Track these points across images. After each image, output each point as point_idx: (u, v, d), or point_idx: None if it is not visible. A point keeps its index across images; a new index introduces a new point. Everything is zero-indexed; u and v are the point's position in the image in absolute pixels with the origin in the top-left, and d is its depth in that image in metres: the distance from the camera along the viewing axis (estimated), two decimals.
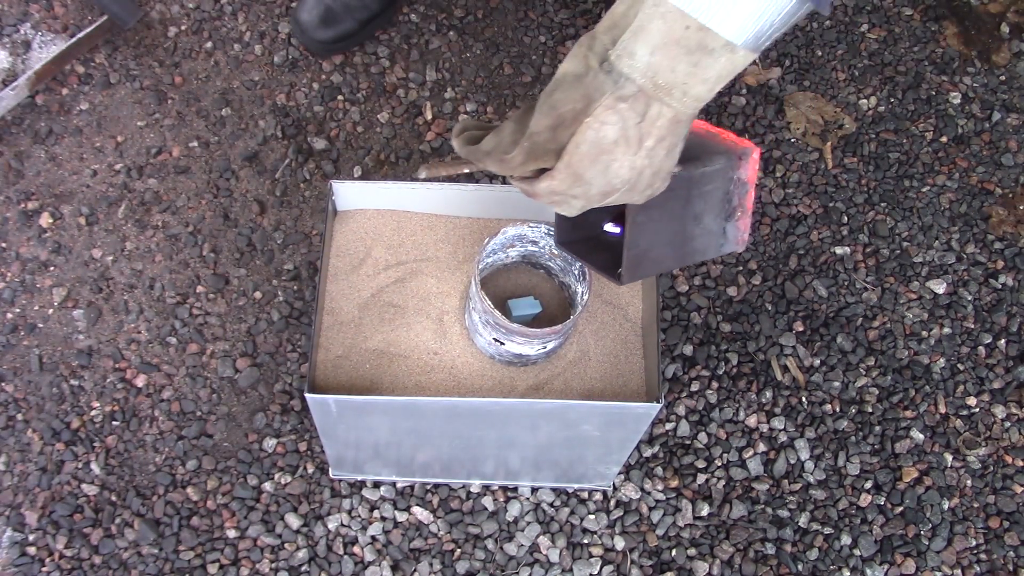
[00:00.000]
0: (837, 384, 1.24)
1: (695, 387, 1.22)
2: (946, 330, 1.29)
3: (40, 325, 1.22)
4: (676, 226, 0.75)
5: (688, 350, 1.25)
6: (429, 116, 1.38)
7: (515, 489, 1.16)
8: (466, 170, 0.76)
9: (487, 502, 1.15)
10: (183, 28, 1.41)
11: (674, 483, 1.17)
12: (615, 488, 1.16)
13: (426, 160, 1.35)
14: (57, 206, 1.28)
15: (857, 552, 1.15)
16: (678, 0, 0.57)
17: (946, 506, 1.18)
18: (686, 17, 0.57)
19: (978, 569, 1.15)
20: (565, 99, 0.62)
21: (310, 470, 1.16)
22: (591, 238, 0.83)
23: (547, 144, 0.64)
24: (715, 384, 1.23)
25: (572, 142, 0.63)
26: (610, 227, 0.81)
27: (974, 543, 1.17)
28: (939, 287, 1.31)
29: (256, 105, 1.37)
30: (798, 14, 0.58)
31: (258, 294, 1.25)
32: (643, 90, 0.60)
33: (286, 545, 1.12)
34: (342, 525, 1.13)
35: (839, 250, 1.33)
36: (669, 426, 1.20)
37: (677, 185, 0.71)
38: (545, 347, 0.91)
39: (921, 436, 1.22)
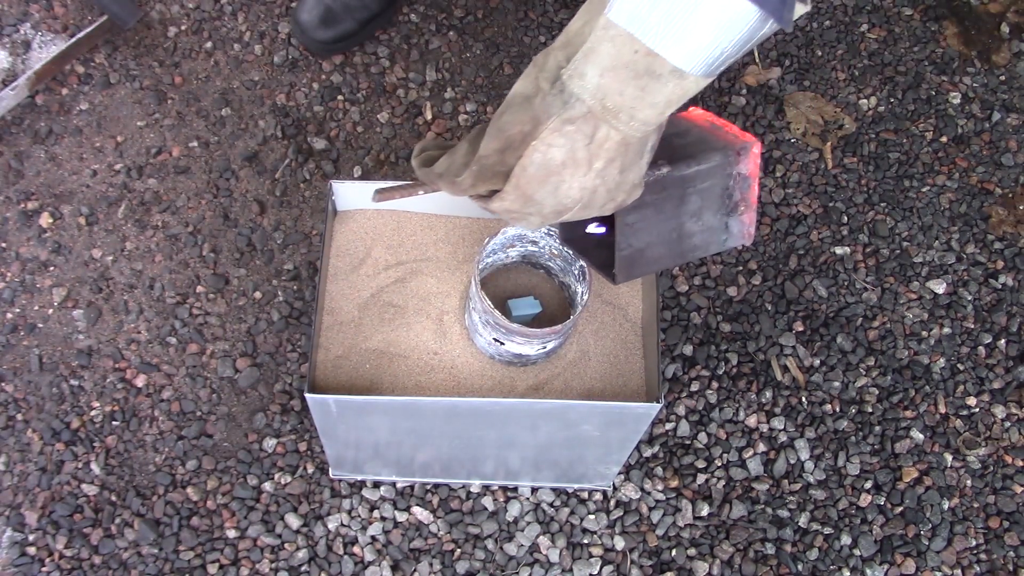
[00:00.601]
0: (837, 384, 1.24)
1: (695, 387, 1.22)
2: (946, 330, 1.29)
3: (40, 325, 1.22)
4: (672, 224, 0.74)
5: (688, 350, 1.25)
6: (429, 116, 1.38)
7: (515, 489, 1.16)
8: (420, 192, 0.75)
9: (487, 502, 1.15)
10: (183, 28, 1.41)
11: (674, 483, 1.17)
12: (615, 488, 1.16)
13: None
14: (57, 206, 1.28)
15: (857, 552, 1.15)
16: (628, 23, 0.56)
17: (946, 506, 1.18)
18: (635, 41, 0.56)
19: (978, 569, 1.15)
20: (513, 121, 0.61)
21: (310, 470, 1.16)
22: (592, 235, 0.83)
23: (496, 167, 0.64)
24: (715, 384, 1.23)
25: (519, 165, 0.62)
26: (593, 228, 0.80)
27: (974, 543, 1.17)
28: (939, 287, 1.31)
29: (256, 105, 1.37)
30: (755, 39, 0.56)
31: (258, 294, 1.25)
32: (592, 111, 0.59)
33: (286, 545, 1.12)
34: (342, 525, 1.13)
35: (839, 250, 1.33)
36: (669, 426, 1.20)
37: (670, 184, 0.71)
38: (545, 347, 0.91)
39: (921, 436, 1.22)
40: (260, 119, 1.36)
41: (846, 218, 1.35)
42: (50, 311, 1.23)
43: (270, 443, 1.17)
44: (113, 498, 1.14)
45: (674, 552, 1.14)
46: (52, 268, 1.25)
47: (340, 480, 1.15)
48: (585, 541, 1.14)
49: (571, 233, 0.84)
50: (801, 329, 1.27)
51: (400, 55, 1.42)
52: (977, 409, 1.24)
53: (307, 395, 0.88)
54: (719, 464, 1.19)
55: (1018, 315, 1.30)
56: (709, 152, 0.73)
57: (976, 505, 1.19)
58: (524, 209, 0.65)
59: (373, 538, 1.13)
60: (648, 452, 1.19)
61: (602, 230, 0.80)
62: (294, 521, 1.13)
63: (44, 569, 1.10)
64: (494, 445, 1.02)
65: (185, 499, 1.14)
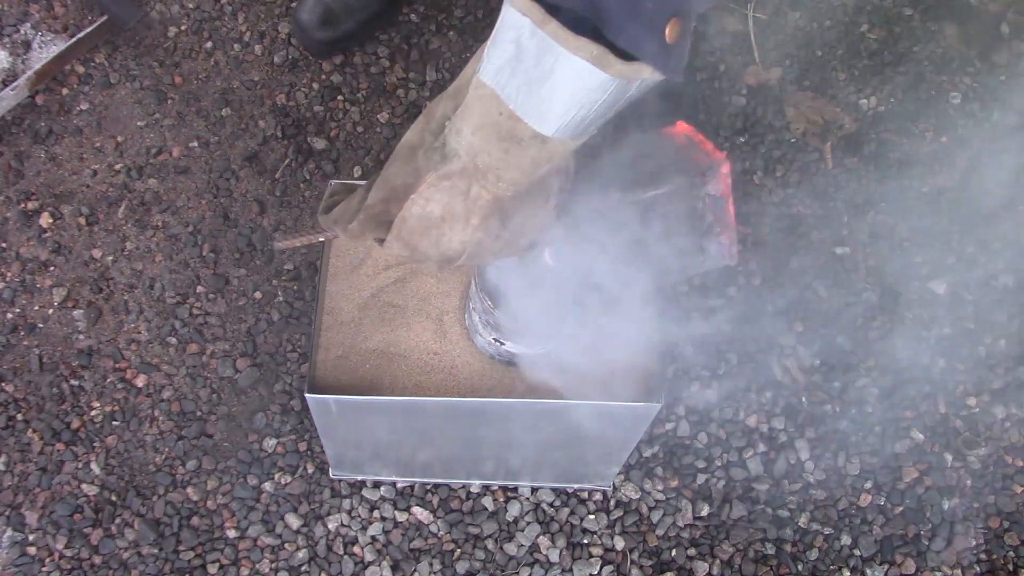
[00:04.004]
0: (837, 384, 1.24)
1: (695, 387, 1.22)
2: (946, 330, 1.29)
3: (40, 325, 1.22)
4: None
5: (688, 350, 1.24)
6: None
7: (515, 489, 1.16)
8: (321, 239, 0.74)
9: (487, 502, 1.15)
10: (183, 28, 1.41)
11: (674, 483, 1.17)
12: (615, 488, 1.16)
13: None
14: (57, 206, 1.28)
15: (857, 552, 1.15)
16: (494, 84, 0.55)
17: (946, 506, 1.18)
18: (500, 103, 0.55)
19: (978, 569, 1.15)
20: (398, 172, 0.61)
21: (310, 470, 1.16)
22: None
23: (381, 216, 0.64)
24: (715, 384, 1.23)
25: (399, 216, 0.62)
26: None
27: (974, 543, 1.17)
28: (939, 287, 1.31)
29: (256, 105, 1.37)
30: (622, 99, 0.54)
31: (258, 294, 1.25)
32: (466, 168, 0.59)
33: (286, 545, 1.12)
34: (342, 525, 1.13)
35: (839, 250, 1.33)
36: (669, 426, 1.20)
37: (629, 211, 0.70)
38: (545, 348, 0.91)
39: (921, 436, 1.22)
40: (260, 119, 1.36)
41: (846, 218, 1.35)
42: (50, 311, 1.23)
43: (270, 443, 1.17)
44: (113, 498, 1.14)
45: (674, 552, 1.14)
46: (52, 268, 1.25)
47: (340, 480, 1.15)
48: (585, 541, 1.14)
49: None
50: (801, 329, 1.27)
51: (400, 55, 1.42)
52: (977, 409, 1.24)
53: (307, 395, 0.88)
54: (719, 464, 1.19)
55: (1018, 315, 1.30)
56: (672, 175, 0.72)
57: (976, 505, 1.19)
58: (413, 256, 0.65)
59: (373, 538, 1.13)
60: (648, 452, 1.19)
61: None
62: (294, 521, 1.13)
63: (44, 569, 1.10)
64: (494, 445, 1.02)
65: (185, 499, 1.14)
